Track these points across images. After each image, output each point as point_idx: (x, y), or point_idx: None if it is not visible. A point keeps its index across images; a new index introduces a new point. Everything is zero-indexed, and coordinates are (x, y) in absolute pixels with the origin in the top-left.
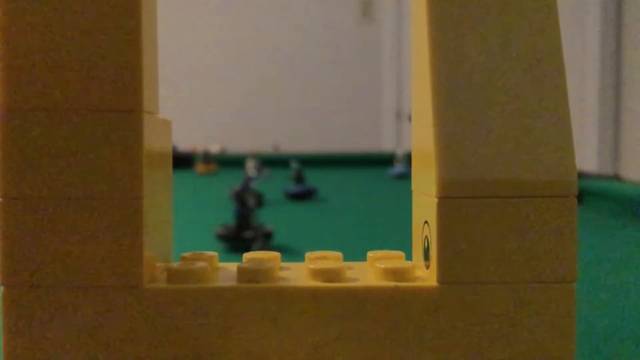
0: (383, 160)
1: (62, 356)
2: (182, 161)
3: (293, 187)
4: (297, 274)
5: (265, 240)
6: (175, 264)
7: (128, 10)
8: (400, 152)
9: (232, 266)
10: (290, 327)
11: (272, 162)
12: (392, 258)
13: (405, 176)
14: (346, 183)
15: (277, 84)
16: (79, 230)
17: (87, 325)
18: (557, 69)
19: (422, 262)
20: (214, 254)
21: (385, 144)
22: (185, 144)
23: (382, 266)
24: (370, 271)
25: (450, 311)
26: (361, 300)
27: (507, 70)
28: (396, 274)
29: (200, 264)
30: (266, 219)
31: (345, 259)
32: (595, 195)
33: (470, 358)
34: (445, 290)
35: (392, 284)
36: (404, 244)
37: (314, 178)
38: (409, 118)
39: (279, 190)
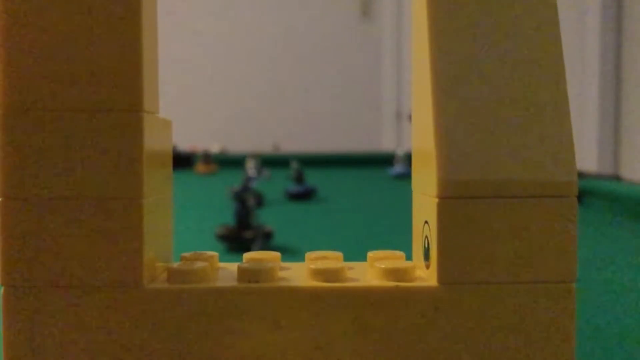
0: (383, 160)
1: (62, 356)
2: (182, 161)
3: (293, 187)
4: (297, 274)
5: (265, 240)
6: (175, 264)
7: (128, 10)
8: (400, 152)
9: (232, 266)
10: (290, 327)
11: (272, 162)
12: (392, 258)
13: (405, 176)
14: (346, 183)
15: (277, 84)
16: (79, 230)
17: (87, 325)
18: (557, 69)
19: (422, 262)
20: (214, 254)
21: (385, 144)
22: (185, 144)
23: (382, 266)
24: (370, 271)
25: (450, 311)
26: (361, 300)
27: (507, 70)
28: (396, 274)
29: (200, 264)
30: (266, 219)
31: (345, 259)
32: (595, 195)
33: (470, 358)
34: (445, 290)
35: (392, 284)
36: (404, 244)
37: (314, 178)
38: (409, 118)
39: (279, 190)
